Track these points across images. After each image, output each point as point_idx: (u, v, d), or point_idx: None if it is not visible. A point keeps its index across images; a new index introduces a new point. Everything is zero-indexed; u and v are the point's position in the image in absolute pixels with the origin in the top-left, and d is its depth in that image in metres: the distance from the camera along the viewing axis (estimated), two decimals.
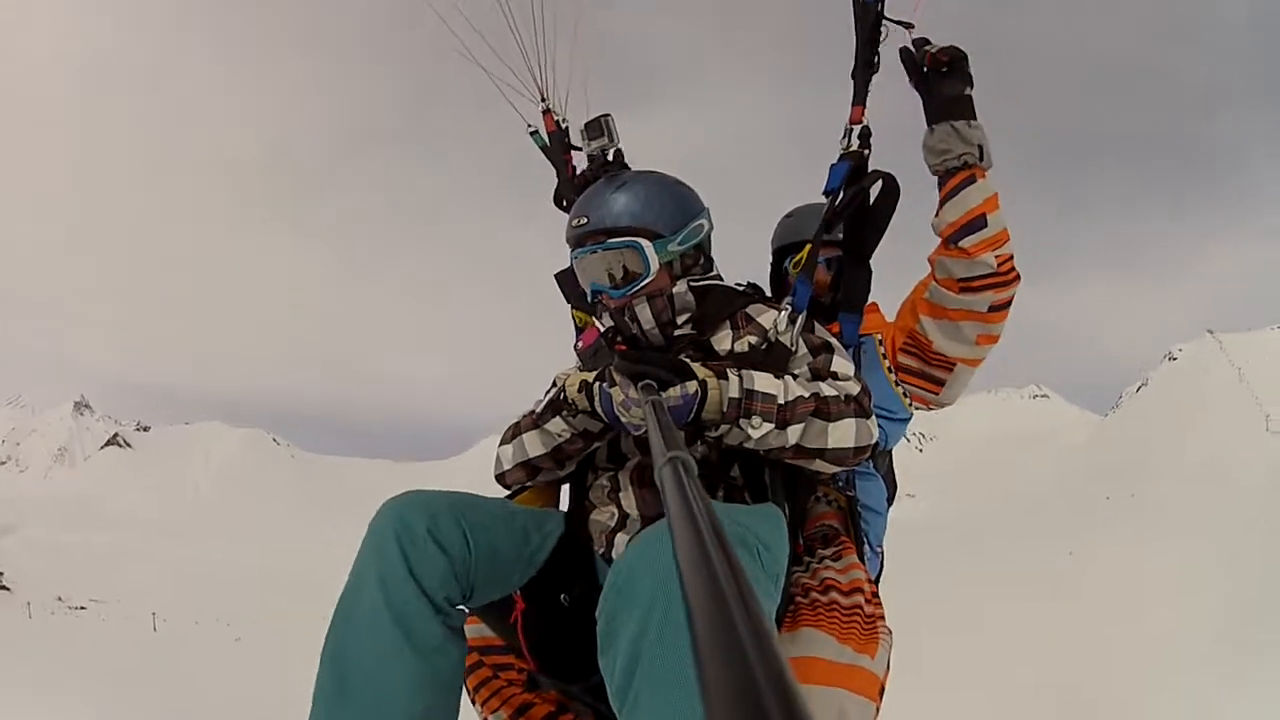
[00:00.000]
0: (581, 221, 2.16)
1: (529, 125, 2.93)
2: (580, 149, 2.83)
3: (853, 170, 2.38)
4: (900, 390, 2.63)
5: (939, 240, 2.48)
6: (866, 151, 2.40)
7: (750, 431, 1.83)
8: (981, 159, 2.38)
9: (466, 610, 1.87)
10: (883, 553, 2.82)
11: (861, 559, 2.24)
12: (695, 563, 0.56)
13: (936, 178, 2.47)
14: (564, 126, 2.90)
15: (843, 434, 1.89)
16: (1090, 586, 30.34)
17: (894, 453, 3.03)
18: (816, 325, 2.18)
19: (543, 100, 2.91)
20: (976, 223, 2.37)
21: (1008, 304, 2.48)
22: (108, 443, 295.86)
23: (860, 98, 2.43)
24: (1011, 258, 2.45)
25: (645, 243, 2.11)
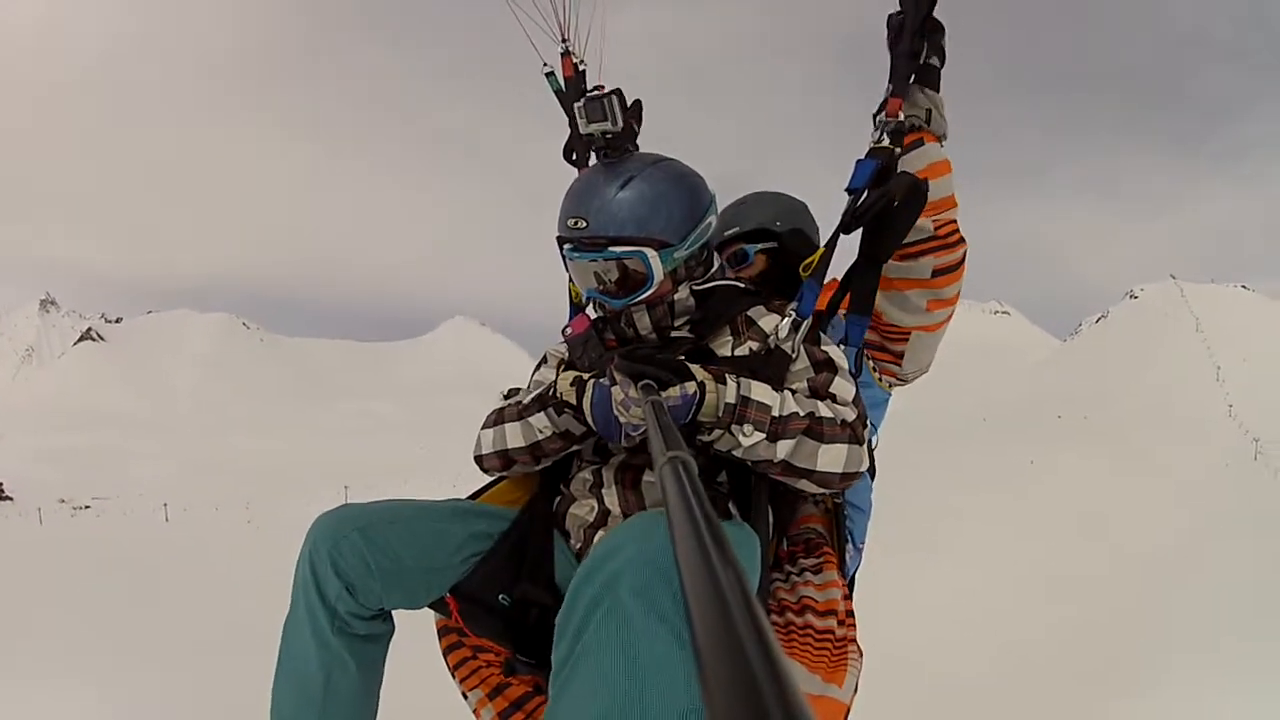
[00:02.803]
0: (579, 224, 1.97)
1: (545, 65, 2.67)
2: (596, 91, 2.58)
3: (881, 169, 2.20)
4: (872, 365, 2.56)
5: None
6: (898, 150, 2.24)
7: (741, 439, 1.79)
8: (929, 123, 2.33)
9: (373, 617, 1.97)
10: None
11: (843, 561, 2.24)
12: (695, 562, 0.57)
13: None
14: (582, 70, 2.64)
15: (833, 458, 1.84)
16: (1050, 489, 34.01)
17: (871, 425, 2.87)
18: (822, 337, 2.09)
19: (563, 40, 2.64)
20: None
21: (953, 268, 2.40)
22: (81, 338, 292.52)
23: (900, 89, 2.28)
24: (954, 223, 2.38)
25: (651, 253, 1.97)
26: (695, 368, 1.82)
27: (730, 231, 2.76)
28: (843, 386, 1.98)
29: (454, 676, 2.19)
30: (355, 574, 1.86)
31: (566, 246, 2.04)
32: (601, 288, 2.04)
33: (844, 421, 1.88)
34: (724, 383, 1.80)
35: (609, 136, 2.17)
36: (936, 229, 2.34)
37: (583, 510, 2.08)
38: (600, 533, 2.03)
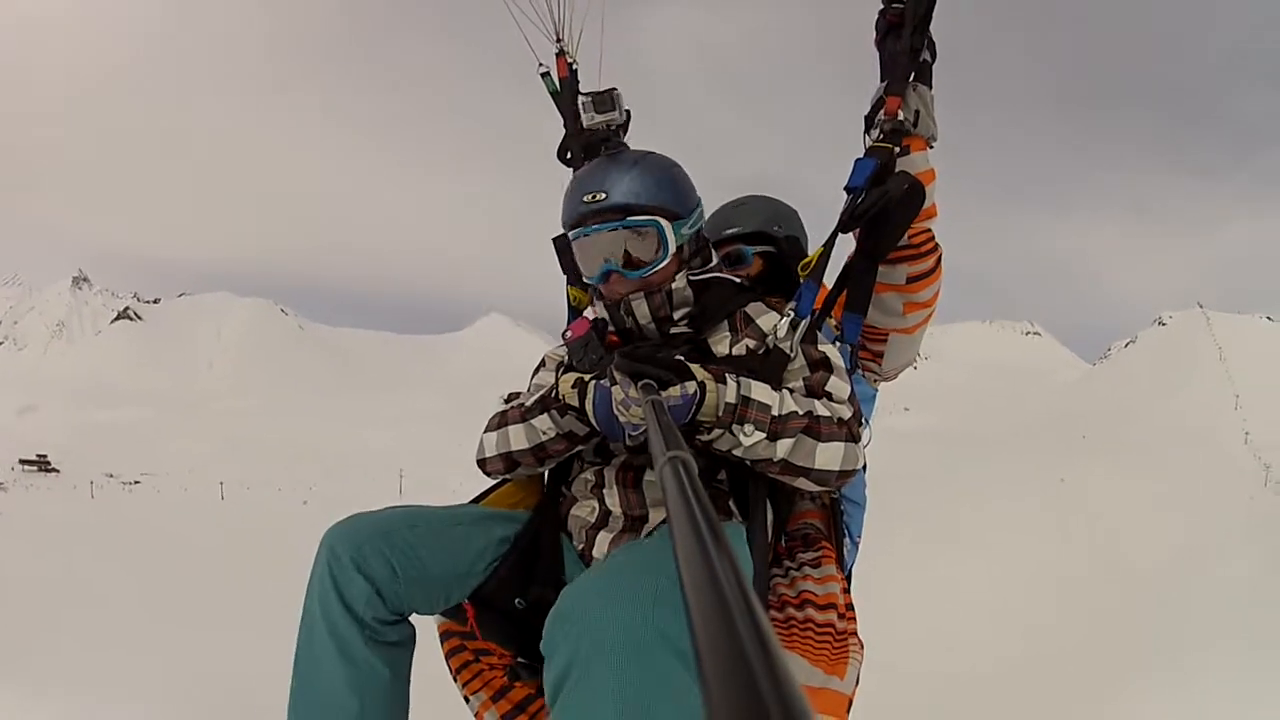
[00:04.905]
0: (598, 196, 1.99)
1: (540, 65, 2.66)
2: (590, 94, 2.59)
3: (880, 168, 2.21)
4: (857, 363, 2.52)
5: None
6: (897, 150, 2.24)
7: (741, 439, 1.80)
8: (917, 124, 2.31)
9: (399, 622, 1.91)
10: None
11: (841, 556, 2.24)
12: (696, 562, 0.57)
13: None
14: (575, 69, 2.65)
15: (830, 456, 1.85)
16: (1072, 503, 36.41)
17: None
18: (820, 337, 2.09)
19: (558, 40, 2.64)
20: None
21: (929, 274, 2.41)
22: (118, 316, 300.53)
23: (898, 88, 2.27)
24: (929, 231, 2.39)
25: (665, 223, 2.00)
26: (695, 367, 1.82)
27: (730, 230, 2.78)
28: (838, 385, 2.00)
29: (456, 680, 2.19)
30: (382, 577, 1.83)
31: (580, 228, 2.04)
32: (620, 260, 2.03)
33: (840, 420, 1.90)
34: (724, 382, 1.80)
35: (613, 129, 2.32)
36: (911, 238, 2.34)
37: (584, 511, 2.09)
38: (601, 533, 2.04)
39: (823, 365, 2.03)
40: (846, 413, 1.94)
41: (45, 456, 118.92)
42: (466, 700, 2.16)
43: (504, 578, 2.03)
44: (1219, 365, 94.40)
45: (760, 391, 1.84)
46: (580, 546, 2.09)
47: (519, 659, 2.08)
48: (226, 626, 9.35)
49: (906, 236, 2.32)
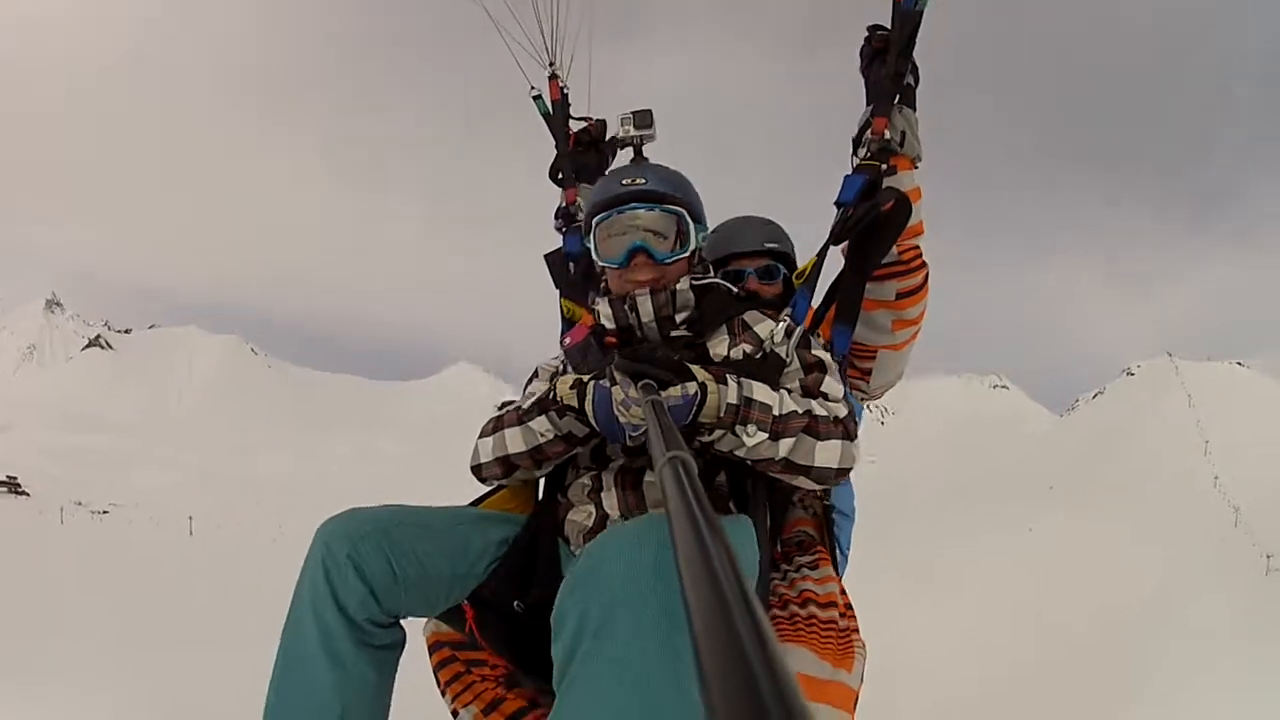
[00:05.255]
0: (639, 180, 2.08)
1: (531, 88, 2.77)
2: (583, 119, 2.82)
3: (868, 184, 2.30)
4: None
5: None
6: (884, 166, 2.34)
7: (745, 439, 1.81)
8: (903, 145, 2.39)
9: (392, 625, 1.87)
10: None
11: (835, 565, 2.27)
12: (696, 562, 0.57)
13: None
14: (566, 93, 2.77)
15: (830, 454, 1.89)
16: (1051, 550, 37.28)
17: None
18: (813, 341, 2.14)
19: (550, 64, 2.74)
20: None
21: (917, 290, 2.46)
22: (90, 344, 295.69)
23: (884, 109, 2.38)
24: (918, 248, 2.45)
25: (689, 219, 2.09)
26: (696, 369, 1.84)
27: (732, 250, 2.79)
28: (832, 386, 2.05)
29: (445, 693, 2.14)
30: (379, 578, 1.77)
31: (616, 207, 2.08)
32: (652, 241, 2.07)
33: (837, 418, 1.94)
34: (725, 383, 1.82)
35: (642, 144, 2.41)
36: (901, 254, 2.41)
37: (581, 515, 2.07)
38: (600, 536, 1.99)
39: (817, 367, 2.08)
40: (842, 411, 1.97)
41: (15, 478, 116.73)
42: (455, 715, 2.10)
43: (503, 579, 2.00)
44: (1189, 412, 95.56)
45: (761, 392, 1.85)
46: (577, 551, 2.05)
47: (518, 667, 2.07)
48: (199, 653, 9.33)
49: (896, 252, 2.38)
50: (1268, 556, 37.19)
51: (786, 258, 2.75)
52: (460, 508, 2.20)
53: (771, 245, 2.74)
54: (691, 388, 1.77)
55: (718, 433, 1.82)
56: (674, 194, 2.09)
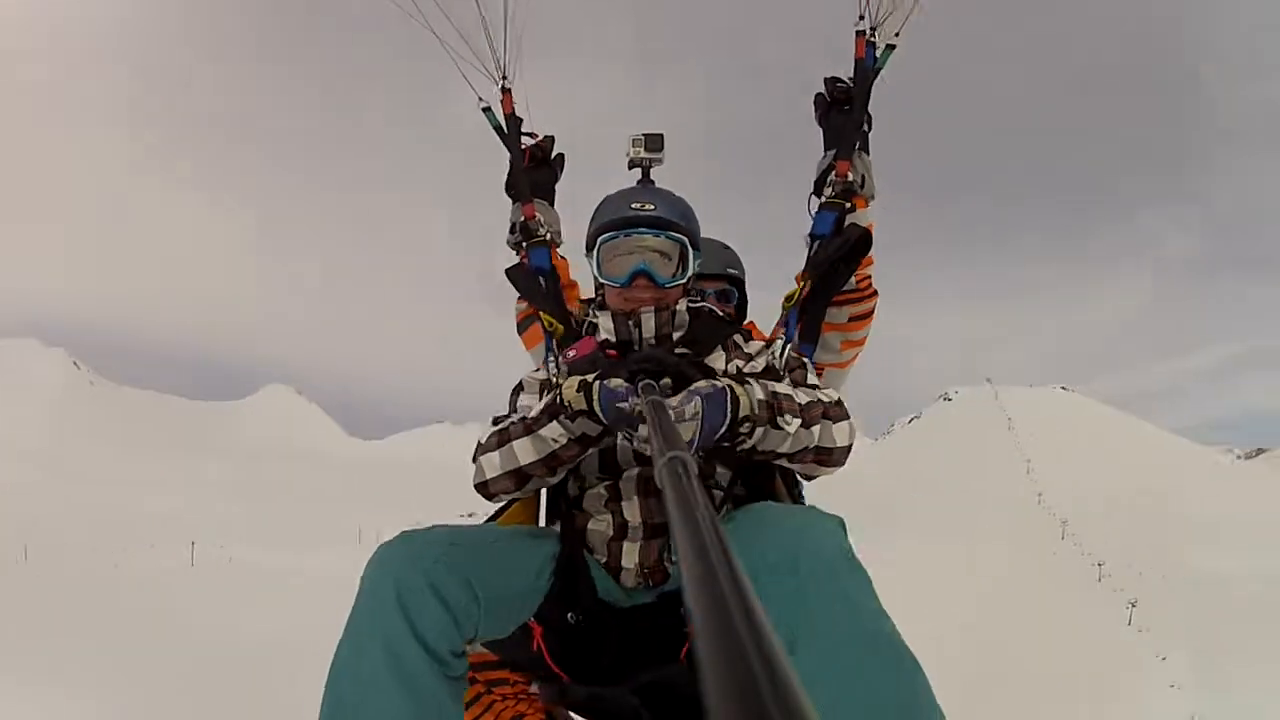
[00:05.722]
0: (648, 205, 2.18)
1: (480, 100, 2.74)
2: (529, 135, 2.81)
3: (837, 220, 2.52)
4: None
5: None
6: (848, 205, 2.54)
7: (787, 429, 1.83)
8: (862, 186, 2.60)
9: (464, 653, 1.74)
10: None
11: None
12: (696, 563, 0.57)
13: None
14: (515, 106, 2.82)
15: (845, 434, 1.98)
16: (882, 573, 38.22)
17: None
18: (788, 346, 2.28)
19: (503, 79, 2.73)
20: None
21: (867, 315, 2.69)
22: None
23: (846, 153, 2.57)
24: (869, 277, 2.68)
25: (690, 247, 2.21)
26: (715, 371, 1.95)
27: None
28: (814, 378, 2.18)
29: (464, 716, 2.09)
30: (459, 603, 1.68)
31: (624, 229, 2.18)
32: (655, 264, 2.17)
33: (838, 401, 2.03)
34: (745, 383, 1.84)
35: (650, 166, 2.50)
36: (858, 282, 2.62)
37: (601, 525, 2.07)
38: (625, 544, 2.04)
39: (800, 366, 2.19)
40: (835, 395, 2.06)
41: None
42: None
43: (556, 593, 2.00)
44: (1009, 435, 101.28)
45: (780, 386, 1.92)
46: (604, 560, 2.06)
47: (576, 679, 2.02)
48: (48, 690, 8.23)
49: (854, 280, 2.59)
50: (1099, 564, 38.80)
51: (740, 282, 3.03)
52: (493, 525, 2.24)
53: (731, 270, 2.99)
54: (721, 381, 1.81)
55: (759, 431, 1.83)
56: (680, 222, 2.21)
